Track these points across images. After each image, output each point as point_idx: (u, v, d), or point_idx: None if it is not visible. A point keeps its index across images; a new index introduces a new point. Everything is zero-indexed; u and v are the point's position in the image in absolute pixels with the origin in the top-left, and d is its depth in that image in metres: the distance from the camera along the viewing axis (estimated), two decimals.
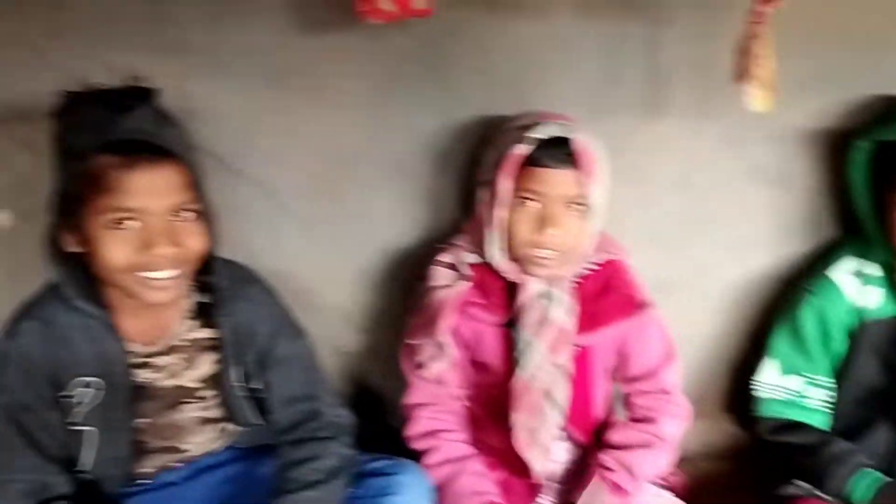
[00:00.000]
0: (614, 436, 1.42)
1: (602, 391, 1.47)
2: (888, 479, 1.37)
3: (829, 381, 1.48)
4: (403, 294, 1.55)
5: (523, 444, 1.36)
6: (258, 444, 1.41)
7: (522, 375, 1.35)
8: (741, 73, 1.25)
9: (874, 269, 1.43)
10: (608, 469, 1.37)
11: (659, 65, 1.48)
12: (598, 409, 1.47)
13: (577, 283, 1.39)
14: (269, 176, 1.52)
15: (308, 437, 1.32)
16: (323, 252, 1.57)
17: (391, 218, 1.56)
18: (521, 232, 1.32)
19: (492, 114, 1.47)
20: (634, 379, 1.45)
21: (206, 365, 1.31)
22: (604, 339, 1.41)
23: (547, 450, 1.37)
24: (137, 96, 1.13)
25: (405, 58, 1.46)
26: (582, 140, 1.29)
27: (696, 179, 1.53)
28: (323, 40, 1.44)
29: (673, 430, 1.43)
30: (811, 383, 1.49)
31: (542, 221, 1.30)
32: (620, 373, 1.47)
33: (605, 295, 1.39)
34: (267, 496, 1.32)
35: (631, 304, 1.40)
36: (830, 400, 1.49)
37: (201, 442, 1.36)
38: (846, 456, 1.40)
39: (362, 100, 1.48)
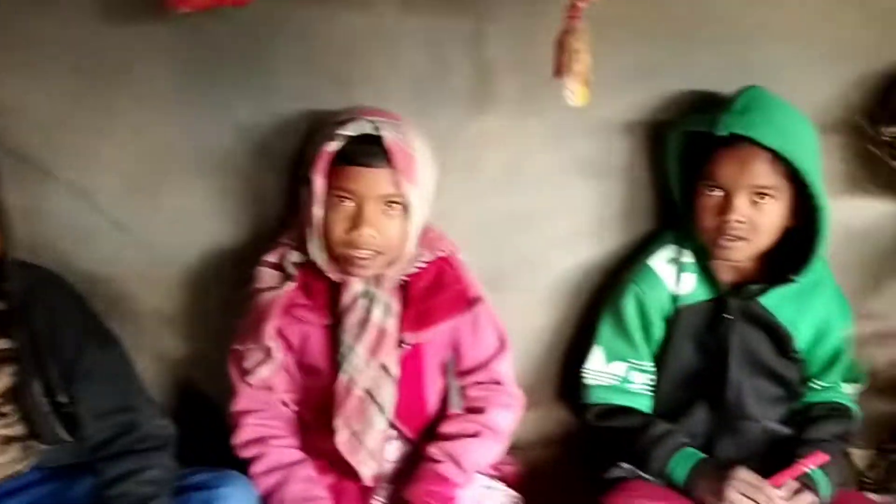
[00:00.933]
0: (445, 427, 1.42)
1: (435, 387, 1.47)
2: (704, 456, 1.44)
3: (651, 366, 1.54)
4: (227, 295, 1.49)
5: (347, 448, 1.34)
6: (69, 462, 1.32)
7: (343, 378, 1.33)
8: (559, 67, 1.27)
9: (689, 257, 1.50)
10: (435, 461, 1.36)
11: (484, 60, 1.48)
12: (431, 406, 1.47)
13: (406, 281, 1.38)
14: (79, 174, 1.43)
15: (127, 450, 1.25)
16: (140, 254, 1.48)
17: (212, 217, 1.49)
18: (336, 231, 1.29)
19: (317, 108, 1.43)
20: (468, 372, 1.46)
21: (3, 377, 1.22)
22: (436, 336, 1.41)
23: (374, 452, 1.36)
24: None
25: (222, 48, 1.40)
26: (393, 138, 1.27)
27: (523, 173, 1.55)
28: (132, 30, 1.36)
29: (504, 420, 1.44)
30: (634, 368, 1.53)
31: (357, 221, 1.28)
32: (455, 367, 1.47)
33: (437, 292, 1.39)
34: None
35: (462, 300, 1.40)
36: (653, 384, 1.55)
37: (4, 463, 1.26)
38: (666, 437, 1.45)
39: (176, 93, 1.41)
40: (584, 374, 1.56)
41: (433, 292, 1.38)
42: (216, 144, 1.44)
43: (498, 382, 1.46)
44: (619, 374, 1.54)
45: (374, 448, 1.35)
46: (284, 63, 1.42)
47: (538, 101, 1.49)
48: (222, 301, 1.51)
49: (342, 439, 1.34)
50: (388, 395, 1.34)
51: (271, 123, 1.44)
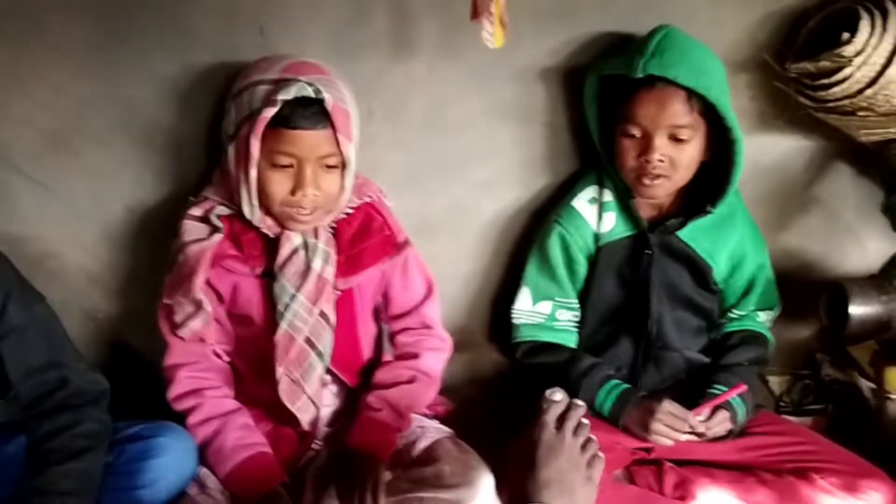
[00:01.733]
0: (380, 375, 1.45)
1: (368, 332, 1.49)
2: (628, 386, 1.50)
3: (576, 304, 1.59)
4: (153, 251, 1.48)
5: (288, 395, 1.36)
6: (1, 422, 1.31)
7: (284, 327, 1.34)
8: (475, 10, 1.28)
9: (609, 196, 1.54)
10: (374, 409, 1.39)
11: (404, 4, 1.48)
12: (366, 351, 1.49)
13: (334, 227, 1.39)
14: None
15: (60, 405, 1.24)
16: (63, 213, 1.47)
17: (133, 171, 1.47)
18: (276, 193, 1.29)
19: (235, 57, 1.42)
20: (398, 317, 1.49)
21: None
22: (366, 281, 1.43)
23: (313, 398, 1.38)
24: None
25: (139, 1, 1.37)
26: (334, 99, 1.26)
27: (447, 118, 1.56)
28: None
29: (435, 363, 1.49)
30: (560, 306, 1.58)
31: (298, 182, 1.28)
32: (385, 312, 1.50)
33: (365, 237, 1.41)
34: (18, 475, 1.24)
35: (390, 245, 1.43)
36: (578, 320, 1.60)
37: None
38: (592, 370, 1.51)
39: (90, 46, 1.38)
40: (512, 314, 1.60)
41: (362, 238, 1.40)
42: (134, 97, 1.42)
43: (427, 326, 1.50)
44: (545, 313, 1.59)
45: (313, 394, 1.37)
46: (202, 11, 1.40)
47: (458, 45, 1.50)
48: (148, 257, 1.50)
49: (283, 387, 1.35)
50: (327, 341, 1.36)
51: (190, 75, 1.43)
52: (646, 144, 1.42)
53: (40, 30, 1.35)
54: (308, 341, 1.35)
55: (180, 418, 1.36)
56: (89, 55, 1.39)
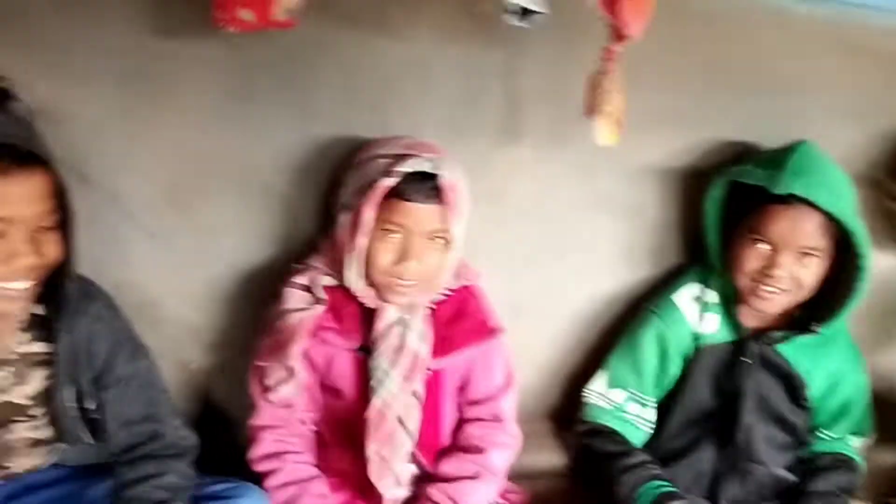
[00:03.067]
0: (444, 467, 1.44)
1: (450, 416, 1.49)
2: (670, 489, 1.45)
3: (651, 400, 1.57)
4: (253, 311, 1.51)
5: (377, 473, 1.36)
6: (88, 463, 1.34)
7: (377, 404, 1.34)
8: (590, 107, 1.30)
9: (713, 297, 1.52)
10: (435, 502, 1.39)
11: (515, 91, 1.51)
12: (446, 433, 1.49)
13: (432, 308, 1.40)
14: (116, 183, 1.44)
15: (146, 455, 1.27)
16: (170, 264, 1.50)
17: (242, 232, 1.51)
18: (381, 261, 1.32)
19: (352, 132, 1.46)
20: (472, 403, 1.48)
21: (36, 381, 1.24)
22: (454, 363, 1.43)
23: (399, 476, 1.38)
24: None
25: (263, 68, 1.42)
26: (449, 176, 1.30)
27: (548, 205, 1.58)
28: (179, 44, 1.38)
29: (501, 460, 1.46)
30: (633, 399, 1.57)
31: (404, 253, 1.31)
32: (460, 396, 1.49)
33: (459, 320, 1.41)
34: None
35: (483, 330, 1.42)
36: (647, 418, 1.58)
37: (28, 462, 1.29)
38: (639, 467, 1.48)
39: (216, 108, 1.43)
40: (583, 393, 1.60)
41: (456, 320, 1.41)
42: (253, 162, 1.47)
43: (499, 419, 1.48)
44: (616, 401, 1.57)
45: (399, 472, 1.37)
46: (322, 86, 1.45)
47: (566, 135, 1.52)
48: (247, 315, 1.53)
49: (373, 465, 1.35)
50: (416, 419, 1.37)
51: (307, 146, 1.47)
52: (772, 259, 1.42)
53: (173, 93, 1.41)
54: (399, 419, 1.35)
55: (258, 476, 1.37)
56: (213, 116, 1.44)
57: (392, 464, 1.36)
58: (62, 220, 1.13)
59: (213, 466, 1.36)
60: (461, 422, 1.49)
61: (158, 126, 1.43)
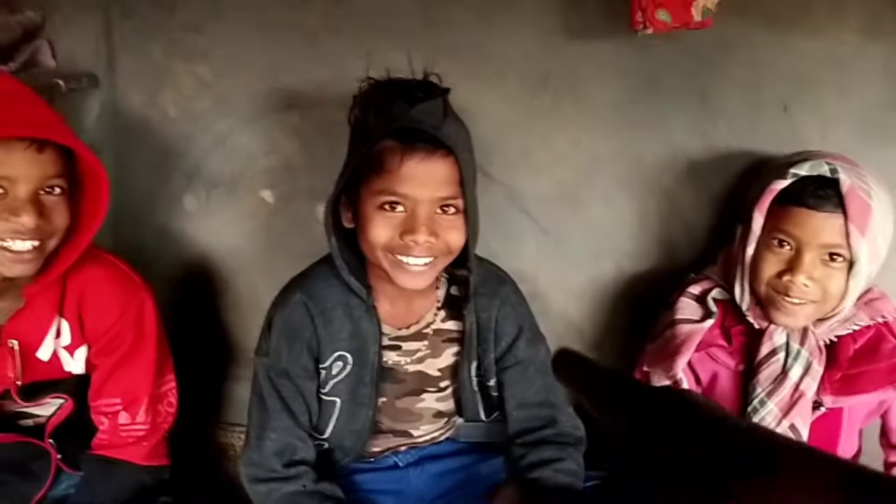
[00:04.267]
0: None
1: (848, 452, 1.37)
2: None
3: None
4: (634, 312, 1.52)
5: None
6: (480, 440, 1.44)
7: None
8: None
9: None
10: None
11: None
12: None
13: (836, 341, 1.28)
14: (515, 179, 1.53)
15: (546, 440, 1.32)
16: (559, 260, 1.56)
17: (630, 231, 1.52)
18: (766, 272, 1.24)
19: (755, 135, 1.41)
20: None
21: (448, 356, 1.35)
22: (860, 404, 1.30)
23: None
24: (428, 90, 1.16)
25: (667, 68, 1.42)
26: (853, 183, 1.17)
27: None
28: (584, 45, 1.43)
29: None
30: None
31: (792, 266, 1.21)
32: (884, 437, 1.37)
33: (871, 359, 1.27)
34: (485, 495, 1.34)
35: None
36: None
37: (431, 431, 1.41)
38: None
39: (616, 108, 1.45)
40: None
41: (867, 358, 1.27)
42: (648, 163, 1.47)
43: None
44: None
45: None
46: (727, 86, 1.41)
47: None
48: (628, 316, 1.54)
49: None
50: None
51: (707, 149, 1.44)
52: None
53: (575, 93, 1.46)
54: None
55: None
56: (612, 116, 1.46)
57: None
58: (466, 208, 1.19)
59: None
60: (887, 464, 1.37)
61: (558, 126, 1.49)
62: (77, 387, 1.40)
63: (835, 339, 1.28)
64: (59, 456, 1.40)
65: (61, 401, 1.39)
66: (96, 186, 1.24)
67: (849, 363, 1.27)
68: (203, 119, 1.62)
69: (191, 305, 1.72)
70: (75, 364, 1.37)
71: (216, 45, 1.58)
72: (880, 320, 1.28)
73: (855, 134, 1.37)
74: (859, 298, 1.27)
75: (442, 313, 1.34)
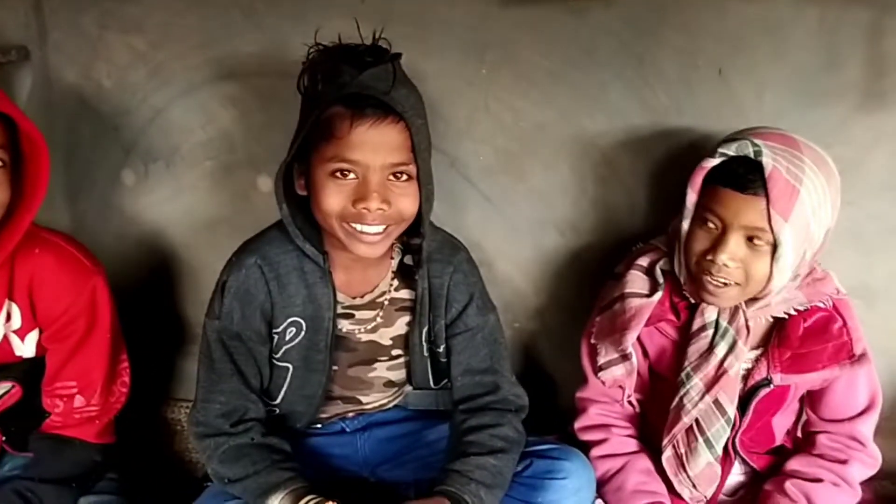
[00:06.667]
0: (797, 464, 1.36)
1: (786, 421, 1.41)
2: None
3: None
4: (578, 279, 1.53)
5: (670, 466, 1.34)
6: (427, 408, 1.46)
7: (676, 401, 1.30)
8: None
9: None
10: (791, 499, 1.31)
11: (881, 54, 1.36)
12: (778, 437, 1.42)
13: (784, 320, 1.30)
14: (458, 148, 1.53)
15: (486, 406, 1.33)
16: (502, 228, 1.57)
17: (571, 198, 1.52)
18: (694, 249, 1.24)
19: (694, 98, 1.41)
20: (828, 421, 1.38)
21: (401, 325, 1.35)
22: (806, 382, 1.33)
23: (697, 481, 1.33)
24: (378, 55, 1.15)
25: (604, 34, 1.42)
26: (775, 166, 1.16)
27: None
28: (521, 14, 1.42)
29: (861, 477, 1.36)
30: None
31: (715, 246, 1.21)
32: (814, 409, 1.39)
33: (819, 339, 1.29)
34: (431, 460, 1.36)
35: (845, 354, 1.29)
36: None
37: (380, 399, 1.42)
38: None
39: (554, 75, 1.45)
40: None
41: (815, 339, 1.29)
42: (588, 130, 1.47)
43: (857, 440, 1.36)
44: None
45: (696, 476, 1.32)
46: (664, 53, 1.41)
47: None
48: (574, 281, 1.56)
49: (665, 456, 1.33)
50: (720, 432, 1.30)
51: (645, 114, 1.44)
52: None
53: (513, 61, 1.46)
54: (698, 425, 1.30)
55: (579, 445, 1.38)
56: (551, 83, 1.46)
57: (688, 464, 1.32)
58: (419, 175, 1.19)
59: (536, 426, 1.40)
60: (810, 432, 1.40)
61: (499, 95, 1.48)
62: (25, 372, 1.39)
63: (776, 318, 1.30)
64: (2, 438, 1.39)
65: (9, 385, 1.38)
66: (36, 160, 1.21)
67: (799, 342, 1.29)
68: (139, 91, 1.59)
69: (133, 281, 1.70)
70: (26, 348, 1.37)
71: (150, 16, 1.55)
72: (820, 304, 1.29)
73: (790, 96, 1.38)
74: (803, 279, 1.28)
75: (396, 282, 1.34)
